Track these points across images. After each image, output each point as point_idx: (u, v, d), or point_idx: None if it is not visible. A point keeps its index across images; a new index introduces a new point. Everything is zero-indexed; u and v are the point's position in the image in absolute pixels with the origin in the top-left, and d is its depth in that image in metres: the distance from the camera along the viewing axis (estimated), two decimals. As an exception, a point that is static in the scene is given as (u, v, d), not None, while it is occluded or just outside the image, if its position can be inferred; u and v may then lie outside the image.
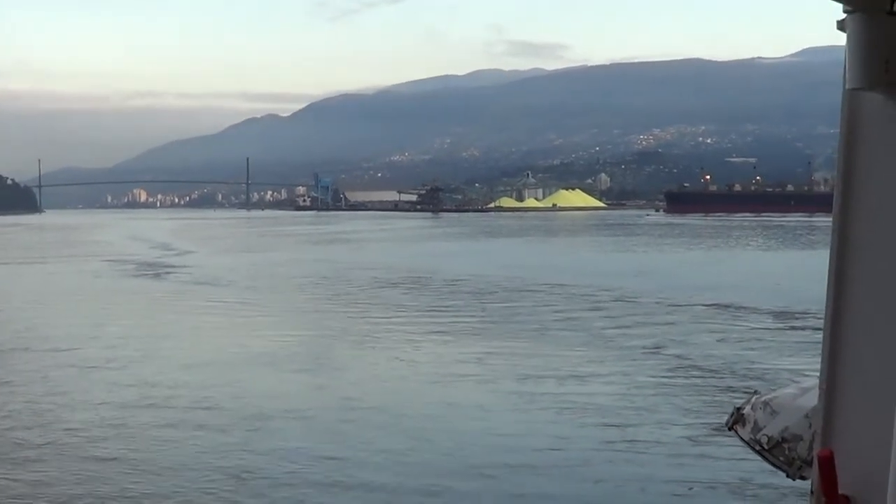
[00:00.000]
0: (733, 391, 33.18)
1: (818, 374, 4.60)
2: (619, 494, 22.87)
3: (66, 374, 37.68)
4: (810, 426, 4.95)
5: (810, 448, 4.91)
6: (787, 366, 37.85)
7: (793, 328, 48.74)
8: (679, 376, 36.34)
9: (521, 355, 41.45)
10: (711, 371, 37.27)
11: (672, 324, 50.95)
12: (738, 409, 5.48)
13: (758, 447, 5.25)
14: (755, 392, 5.55)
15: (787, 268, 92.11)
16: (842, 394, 4.44)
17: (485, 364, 39.43)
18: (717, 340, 45.16)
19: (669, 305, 58.71)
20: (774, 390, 5.50)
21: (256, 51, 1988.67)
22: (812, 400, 4.91)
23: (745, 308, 56.55)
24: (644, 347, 43.30)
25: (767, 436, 5.21)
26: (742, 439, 5.38)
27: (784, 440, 5.15)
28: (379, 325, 52.09)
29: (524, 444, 26.87)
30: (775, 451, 5.18)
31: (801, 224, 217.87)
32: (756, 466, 23.44)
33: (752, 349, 42.53)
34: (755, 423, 5.31)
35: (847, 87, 4.25)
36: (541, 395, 33.19)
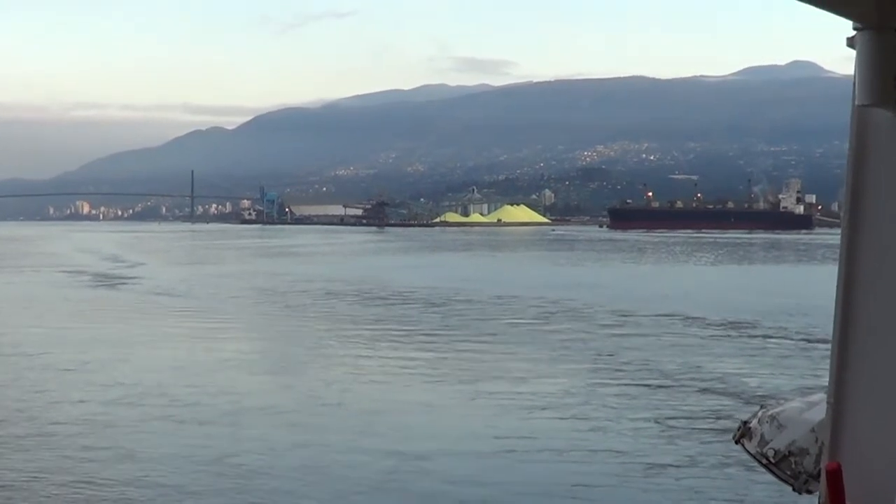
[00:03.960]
0: (683, 390, 35.83)
1: (824, 388, 4.85)
2: (570, 472, 25.21)
3: (42, 377, 39.31)
4: (817, 440, 5.08)
5: (817, 462, 5.05)
6: (733, 370, 40.39)
7: (739, 336, 51.38)
8: (631, 379, 38.60)
9: (471, 360, 43.81)
10: (663, 373, 39.65)
11: (623, 333, 53.15)
12: (745, 422, 5.57)
13: (764, 461, 5.35)
14: (762, 406, 5.66)
15: (728, 282, 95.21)
16: (850, 408, 4.55)
17: (434, 368, 41.74)
18: (668, 347, 47.49)
19: (619, 316, 60.99)
20: (781, 404, 5.59)
21: (201, 63, 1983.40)
22: (818, 414, 5.08)
23: (692, 318, 59.05)
24: (596, 354, 45.39)
25: (774, 449, 5.31)
26: (749, 452, 5.46)
27: (791, 454, 5.24)
28: (334, 332, 54.14)
29: (469, 433, 29.62)
30: (782, 465, 5.27)
31: (741, 240, 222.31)
32: (697, 449, 26.09)
33: (702, 355, 44.82)
34: (762, 436, 5.39)
35: (856, 103, 4.28)
36: (489, 393, 35.51)
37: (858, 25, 4.10)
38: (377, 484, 24.24)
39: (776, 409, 5.47)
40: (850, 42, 4.23)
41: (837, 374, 4.55)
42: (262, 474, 24.83)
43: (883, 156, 4.37)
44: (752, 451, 5.39)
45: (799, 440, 5.19)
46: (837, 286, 4.54)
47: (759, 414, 5.51)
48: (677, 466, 25.43)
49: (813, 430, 5.11)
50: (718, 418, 31.02)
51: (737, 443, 5.54)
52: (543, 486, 24.03)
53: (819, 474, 4.85)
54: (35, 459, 26.19)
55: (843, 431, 4.54)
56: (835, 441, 4.56)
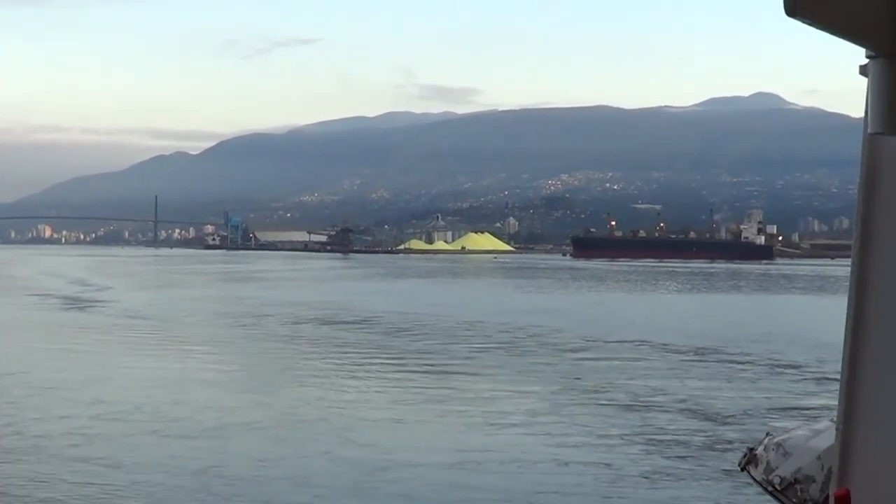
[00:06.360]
0: (653, 410, 37.30)
1: (829, 415, 4.87)
2: (535, 482, 26.62)
3: (25, 393, 40.32)
4: (823, 467, 5.04)
5: (822, 489, 5.02)
6: (701, 392, 41.78)
7: (705, 361, 52.75)
8: (600, 400, 39.92)
9: (440, 382, 45.14)
10: (632, 395, 41.01)
11: (589, 357, 54.39)
12: (751, 449, 5.56)
13: (770, 488, 5.32)
14: (768, 433, 5.64)
15: (691, 309, 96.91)
16: (859, 433, 4.47)
17: (404, 389, 43.12)
18: (635, 371, 48.75)
19: (585, 341, 62.14)
20: (787, 431, 5.56)
21: (166, 88, 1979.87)
22: (824, 441, 5.05)
23: (658, 344, 60.41)
24: (564, 376, 46.62)
25: (780, 477, 5.28)
26: (755, 479, 5.43)
27: (797, 481, 5.21)
28: (306, 354, 55.39)
29: (438, 446, 31.26)
30: (788, 493, 5.23)
31: (703, 270, 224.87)
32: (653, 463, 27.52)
33: (669, 379, 46.09)
34: (768, 463, 5.38)
35: (868, 131, 4.18)
36: (458, 412, 36.95)
37: (871, 53, 3.99)
38: (351, 491, 25.68)
39: (782, 437, 5.51)
40: (863, 70, 4.18)
41: (847, 398, 4.50)
42: (247, 482, 26.18)
43: (894, 184, 4.40)
44: (758, 478, 5.43)
45: (805, 467, 5.22)
46: (847, 312, 4.52)
47: (766, 441, 5.55)
48: (649, 478, 26.78)
49: (819, 458, 5.14)
50: (691, 435, 32.42)
51: (742, 469, 5.58)
52: (508, 494, 25.39)
53: (825, 502, 4.96)
54: (27, 469, 27.32)
55: (852, 457, 4.49)
56: (843, 467, 4.51)
